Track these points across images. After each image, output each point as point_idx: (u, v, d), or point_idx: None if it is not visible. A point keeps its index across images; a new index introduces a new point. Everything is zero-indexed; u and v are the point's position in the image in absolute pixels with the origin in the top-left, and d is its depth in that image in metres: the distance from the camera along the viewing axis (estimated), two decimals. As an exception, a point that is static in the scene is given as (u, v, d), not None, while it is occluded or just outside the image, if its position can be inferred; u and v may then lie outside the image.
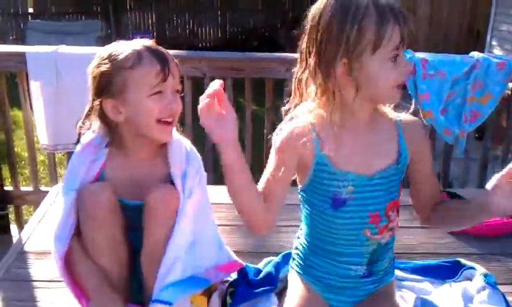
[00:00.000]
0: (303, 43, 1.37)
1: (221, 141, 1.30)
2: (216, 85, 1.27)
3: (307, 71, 1.37)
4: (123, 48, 1.48)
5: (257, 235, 1.43)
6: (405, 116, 1.48)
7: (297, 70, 1.42)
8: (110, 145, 1.58)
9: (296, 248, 1.61)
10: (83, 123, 1.57)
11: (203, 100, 1.28)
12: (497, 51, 7.98)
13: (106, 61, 1.48)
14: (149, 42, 1.53)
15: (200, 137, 3.20)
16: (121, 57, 1.46)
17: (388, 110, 1.46)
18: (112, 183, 1.54)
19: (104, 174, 1.57)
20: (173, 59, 1.54)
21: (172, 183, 1.54)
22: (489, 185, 1.28)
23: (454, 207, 1.54)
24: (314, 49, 1.33)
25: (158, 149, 1.59)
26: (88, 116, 1.56)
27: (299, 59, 1.41)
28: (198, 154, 1.65)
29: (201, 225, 1.58)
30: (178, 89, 1.53)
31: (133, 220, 1.52)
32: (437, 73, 2.96)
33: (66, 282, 1.54)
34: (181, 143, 1.61)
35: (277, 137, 1.42)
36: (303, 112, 1.42)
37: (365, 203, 1.42)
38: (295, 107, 1.44)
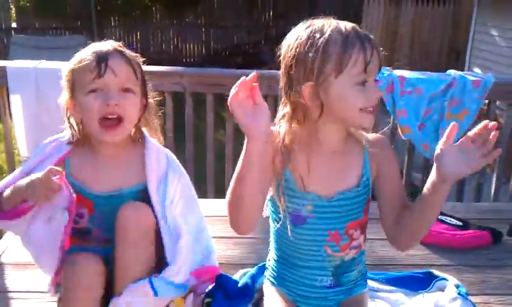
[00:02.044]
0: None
1: (250, 132, 1.25)
2: (250, 76, 1.24)
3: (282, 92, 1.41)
4: (82, 51, 1.54)
5: (238, 232, 1.40)
6: (371, 136, 1.49)
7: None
8: (77, 142, 1.61)
9: (269, 260, 1.64)
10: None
11: (235, 88, 1.24)
12: (477, 69, 8.13)
13: (70, 64, 1.55)
14: (110, 42, 1.56)
15: (180, 150, 3.24)
16: (73, 60, 1.53)
17: (359, 132, 1.47)
18: (78, 174, 1.57)
19: (70, 164, 1.60)
20: (128, 58, 1.54)
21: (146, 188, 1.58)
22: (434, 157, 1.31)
23: (414, 205, 1.43)
24: (284, 73, 1.37)
25: (129, 151, 1.62)
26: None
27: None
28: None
29: (189, 222, 1.62)
30: (125, 87, 1.52)
31: (102, 212, 1.55)
32: (414, 90, 3.01)
33: None
34: (159, 149, 1.64)
35: None
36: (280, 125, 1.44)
37: (323, 222, 1.44)
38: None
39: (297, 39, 1.34)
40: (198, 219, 1.71)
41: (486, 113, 3.27)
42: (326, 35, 1.30)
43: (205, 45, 13.25)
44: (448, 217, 2.33)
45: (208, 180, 3.26)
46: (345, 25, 1.33)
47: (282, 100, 1.43)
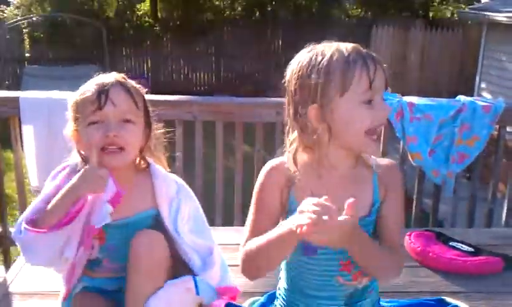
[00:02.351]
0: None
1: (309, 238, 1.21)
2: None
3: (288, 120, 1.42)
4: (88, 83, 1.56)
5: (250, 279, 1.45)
6: (382, 160, 1.47)
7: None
8: None
9: (279, 288, 1.63)
10: None
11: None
12: (486, 94, 8.12)
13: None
14: (113, 75, 1.58)
15: (189, 178, 3.24)
16: (78, 91, 1.56)
17: (367, 157, 1.46)
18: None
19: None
20: (129, 89, 1.55)
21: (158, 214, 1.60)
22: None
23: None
24: (290, 98, 1.38)
25: (137, 179, 1.64)
26: None
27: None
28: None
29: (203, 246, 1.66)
30: (125, 118, 1.53)
31: (113, 241, 1.57)
32: (424, 116, 3.01)
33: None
34: (167, 175, 1.66)
35: (261, 172, 1.47)
36: (288, 154, 1.44)
37: (335, 252, 1.40)
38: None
39: (299, 63, 1.36)
40: (210, 239, 1.73)
41: (496, 138, 3.26)
42: (328, 56, 1.31)
43: (215, 73, 13.37)
44: (459, 243, 2.31)
45: (217, 208, 3.26)
46: (346, 46, 1.34)
47: (288, 127, 1.43)
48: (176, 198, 1.63)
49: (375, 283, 1.55)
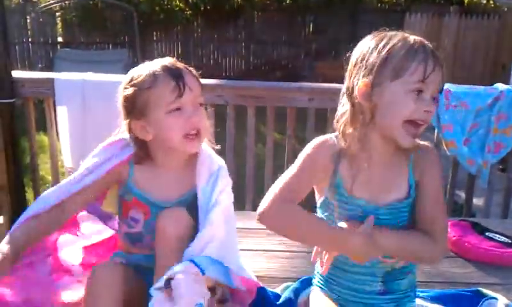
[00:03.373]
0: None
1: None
2: None
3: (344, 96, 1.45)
4: (142, 70, 1.55)
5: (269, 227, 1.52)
6: (421, 144, 1.49)
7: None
8: (137, 158, 1.64)
9: (317, 267, 1.64)
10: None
11: None
12: (522, 84, 7.92)
13: (128, 85, 1.55)
14: (169, 60, 1.58)
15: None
16: (139, 80, 1.52)
17: None
18: (139, 181, 1.62)
19: (134, 168, 1.64)
20: (193, 73, 1.57)
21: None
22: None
23: None
24: (348, 73, 1.42)
25: (187, 161, 1.65)
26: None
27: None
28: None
29: (229, 236, 1.62)
30: (200, 102, 1.57)
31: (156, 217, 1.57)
32: (460, 104, 2.95)
33: None
34: (211, 158, 1.66)
35: (309, 144, 1.50)
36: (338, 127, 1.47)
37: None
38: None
39: (365, 43, 1.40)
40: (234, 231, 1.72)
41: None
42: (394, 41, 1.35)
43: (244, 59, 13.34)
44: (496, 234, 2.26)
45: (248, 193, 3.25)
46: (415, 37, 1.37)
47: (341, 101, 1.47)
48: (216, 173, 1.64)
49: (412, 265, 1.56)
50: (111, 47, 11.72)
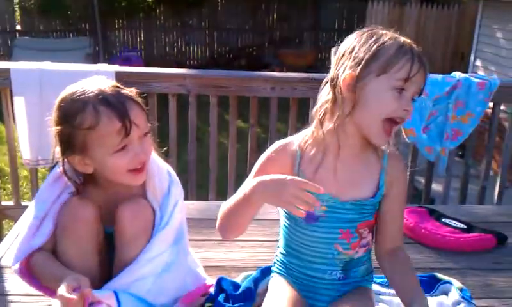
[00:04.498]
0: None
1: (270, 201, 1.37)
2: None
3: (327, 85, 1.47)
4: (78, 102, 1.39)
5: (225, 238, 1.53)
6: (392, 151, 1.52)
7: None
8: (81, 184, 1.55)
9: (276, 255, 1.66)
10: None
11: None
12: (481, 72, 8.11)
13: (62, 121, 1.41)
14: (109, 85, 1.44)
15: (183, 152, 3.23)
16: (77, 118, 1.38)
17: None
18: None
19: None
20: (137, 101, 1.46)
21: None
22: None
23: (400, 279, 1.51)
24: (335, 63, 1.44)
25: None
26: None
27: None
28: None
29: (178, 253, 1.59)
30: (145, 132, 1.46)
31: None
32: (419, 92, 3.00)
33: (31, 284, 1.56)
34: (161, 170, 1.60)
35: (269, 148, 1.52)
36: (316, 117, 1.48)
37: (336, 221, 1.48)
38: None
39: (356, 37, 1.42)
40: (184, 245, 1.66)
41: (490, 115, 3.26)
42: (385, 39, 1.38)
43: (208, 47, 13.27)
44: (452, 220, 2.31)
45: (210, 182, 3.25)
46: (405, 39, 1.41)
47: (321, 88, 1.48)
48: (166, 190, 1.59)
49: (369, 254, 1.59)
50: (71, 35, 11.49)
